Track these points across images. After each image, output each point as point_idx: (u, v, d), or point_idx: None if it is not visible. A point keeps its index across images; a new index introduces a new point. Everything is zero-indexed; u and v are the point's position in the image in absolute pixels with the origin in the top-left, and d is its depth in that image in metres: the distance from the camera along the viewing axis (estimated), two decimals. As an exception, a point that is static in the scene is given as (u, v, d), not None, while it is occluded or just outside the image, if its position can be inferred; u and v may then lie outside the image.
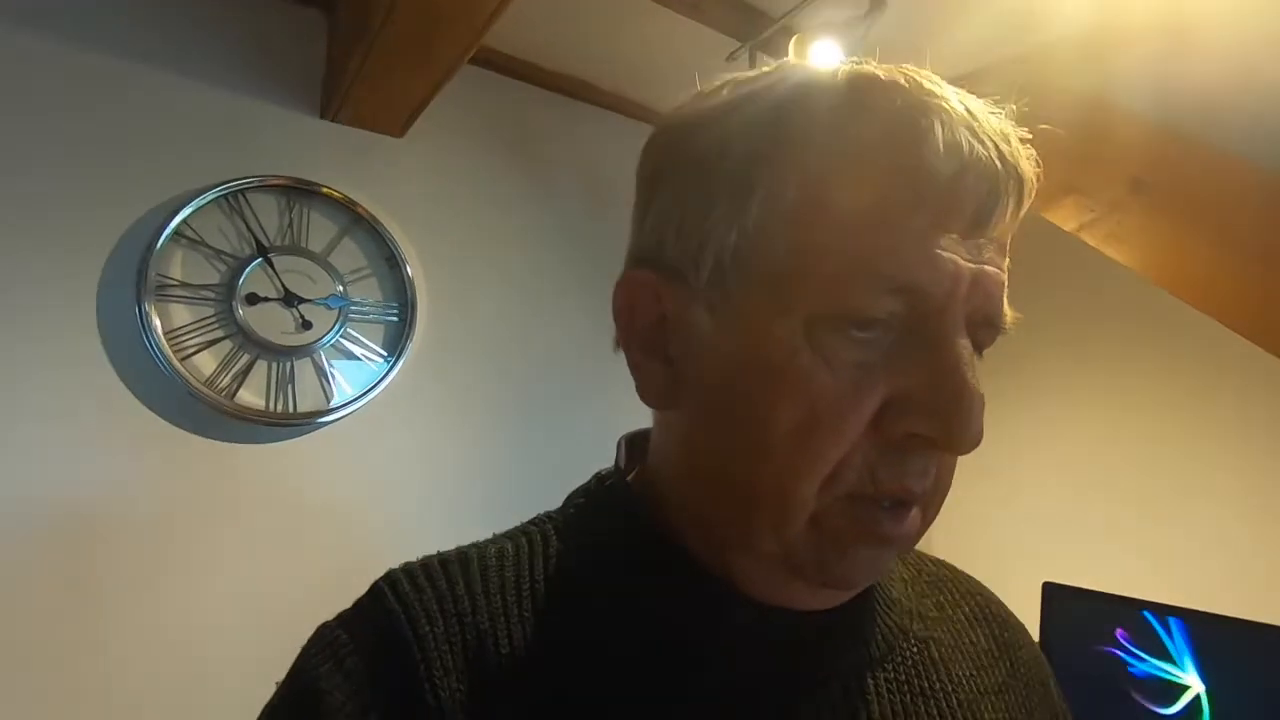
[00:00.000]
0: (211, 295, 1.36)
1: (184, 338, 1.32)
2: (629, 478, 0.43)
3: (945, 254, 0.31)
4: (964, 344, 0.32)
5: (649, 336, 0.38)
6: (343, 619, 0.37)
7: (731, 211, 0.34)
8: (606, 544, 0.40)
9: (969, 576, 0.53)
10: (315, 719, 0.33)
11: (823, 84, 0.34)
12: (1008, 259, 0.36)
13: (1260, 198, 1.28)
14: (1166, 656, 1.48)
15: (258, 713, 0.35)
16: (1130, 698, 1.50)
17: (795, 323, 0.32)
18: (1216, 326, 1.42)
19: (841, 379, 0.32)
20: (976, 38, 1.45)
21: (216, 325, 1.36)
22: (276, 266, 1.40)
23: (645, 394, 0.39)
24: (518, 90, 1.74)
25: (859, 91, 0.33)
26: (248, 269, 1.38)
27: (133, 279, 1.27)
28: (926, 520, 0.36)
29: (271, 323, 1.40)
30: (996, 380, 2.30)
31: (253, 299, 1.38)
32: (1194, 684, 1.43)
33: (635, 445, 0.45)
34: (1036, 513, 2.19)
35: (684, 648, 0.36)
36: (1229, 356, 1.72)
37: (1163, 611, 1.50)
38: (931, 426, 0.32)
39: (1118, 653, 1.55)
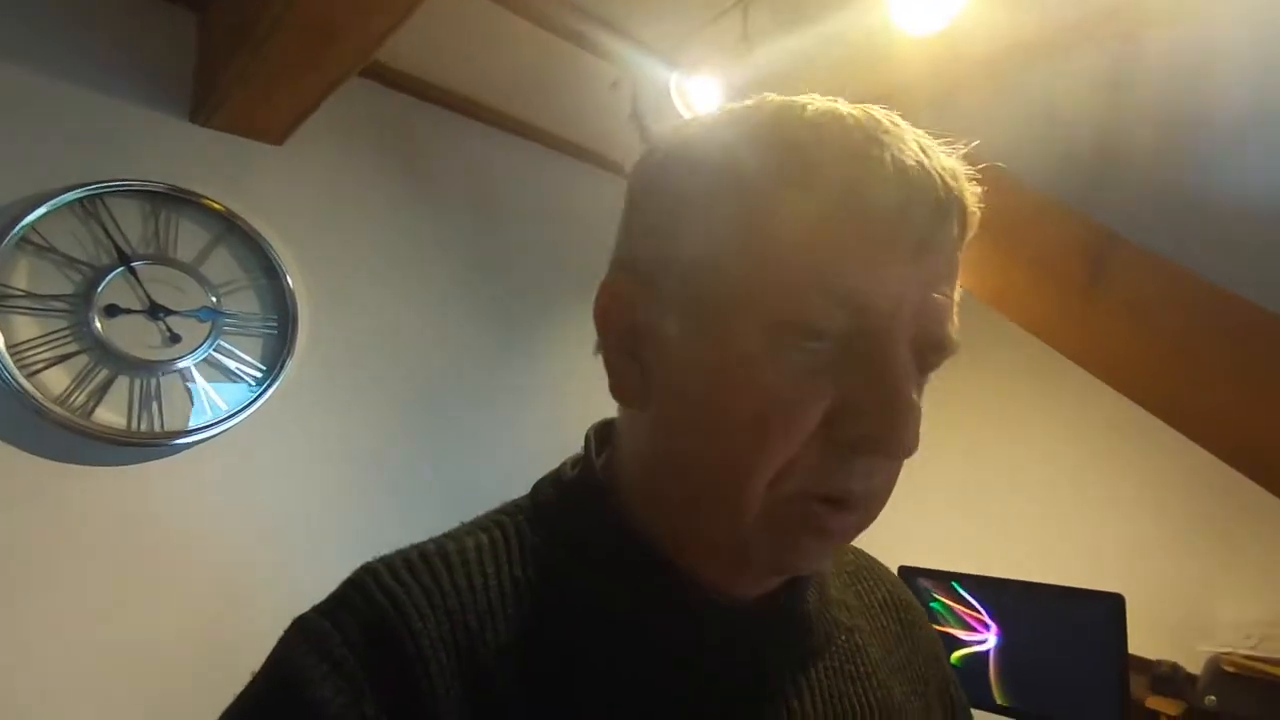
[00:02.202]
0: (63, 306, 1.25)
1: (30, 352, 1.21)
2: (598, 468, 0.44)
3: (891, 275, 0.34)
4: (905, 359, 0.35)
5: (623, 339, 0.40)
6: (323, 611, 0.36)
7: (699, 230, 0.37)
8: (582, 541, 0.41)
9: (877, 562, 0.58)
10: (304, 712, 0.31)
11: (789, 117, 0.37)
12: (957, 289, 0.39)
13: (1064, 228, 1.53)
14: (975, 615, 1.76)
15: None
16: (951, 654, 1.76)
17: (753, 332, 0.35)
18: (1034, 340, 1.67)
19: (792, 384, 0.34)
20: (832, 78, 1.62)
21: (70, 339, 1.25)
22: (140, 276, 1.32)
23: (617, 392, 0.41)
24: (401, 103, 1.73)
25: (819, 126, 0.36)
26: (107, 279, 1.28)
27: (-34, 288, 1.16)
28: (868, 519, 0.39)
29: (134, 336, 1.31)
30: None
31: (113, 310, 1.29)
32: (990, 635, 1.74)
33: (601, 435, 0.46)
34: (888, 507, 2.43)
35: (660, 649, 0.38)
36: (1042, 366, 2.01)
37: (971, 581, 1.81)
38: (872, 431, 0.34)
39: (946, 617, 1.84)
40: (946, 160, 0.37)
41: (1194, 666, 1.77)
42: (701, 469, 0.37)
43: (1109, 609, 1.68)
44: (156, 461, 1.34)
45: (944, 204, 0.36)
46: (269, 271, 1.48)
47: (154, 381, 1.33)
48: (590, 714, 0.35)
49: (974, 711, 1.73)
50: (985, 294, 1.62)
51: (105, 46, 1.34)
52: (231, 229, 1.44)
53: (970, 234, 0.39)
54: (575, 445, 0.47)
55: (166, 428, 1.34)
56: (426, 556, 0.38)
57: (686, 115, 1.27)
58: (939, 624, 1.83)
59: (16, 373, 1.17)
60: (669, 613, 0.39)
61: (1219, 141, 1.34)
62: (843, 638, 0.46)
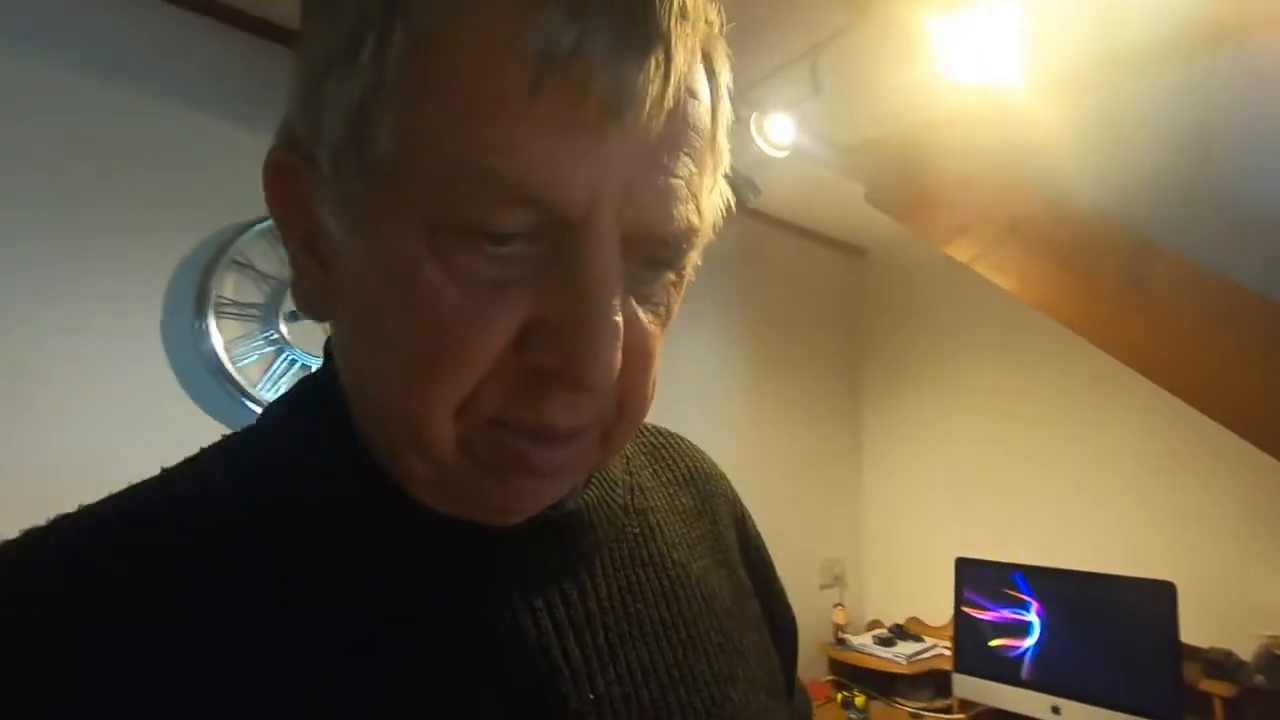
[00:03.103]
0: (257, 313, 1.55)
1: (235, 348, 1.51)
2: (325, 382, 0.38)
3: (577, 156, 0.26)
4: (605, 269, 0.28)
5: (302, 229, 0.32)
6: None
7: (342, 76, 0.28)
8: (303, 466, 0.35)
9: (682, 439, 0.54)
10: None
11: None
12: (702, 160, 0.30)
13: (1105, 238, 1.69)
14: (1020, 602, 1.93)
15: None
16: (998, 634, 1.94)
17: (415, 228, 0.27)
18: (1077, 338, 1.82)
19: (471, 298, 0.27)
20: (892, 109, 1.83)
21: (261, 339, 1.55)
22: (313, 288, 1.61)
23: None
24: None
25: None
26: (289, 290, 1.58)
27: (191, 298, 1.47)
28: (609, 446, 0.34)
29: (307, 336, 1.60)
30: (914, 390, 2.70)
31: (293, 316, 1.58)
32: (1034, 618, 1.89)
33: None
34: (949, 498, 2.57)
35: (405, 576, 0.33)
36: (1093, 363, 2.15)
37: (1023, 571, 1.96)
38: (557, 359, 0.28)
39: (996, 604, 1.99)
40: None
41: (1246, 654, 1.85)
42: (380, 399, 0.31)
43: (1160, 596, 1.78)
44: (323, 440, 1.63)
45: (642, 42, 0.26)
46: (407, 284, 1.76)
47: (322, 374, 1.62)
48: (333, 665, 0.30)
49: (1027, 693, 1.88)
50: (1031, 296, 1.78)
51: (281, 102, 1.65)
52: (379, 249, 1.73)
53: (692, 77, 0.29)
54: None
55: (330, 412, 1.62)
56: (105, 519, 0.32)
57: (766, 151, 1.49)
58: (982, 611, 1.98)
59: (230, 365, 1.47)
60: (406, 539, 0.33)
61: (1251, 156, 1.49)
62: (634, 524, 0.43)
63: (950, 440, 2.60)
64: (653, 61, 0.26)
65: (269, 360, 1.56)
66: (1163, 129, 1.54)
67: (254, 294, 1.56)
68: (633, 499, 0.44)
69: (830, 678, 2.41)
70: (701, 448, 0.55)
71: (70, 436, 1.34)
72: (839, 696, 2.23)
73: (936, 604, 2.42)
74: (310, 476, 0.34)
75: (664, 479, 0.48)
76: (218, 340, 1.47)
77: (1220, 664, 1.88)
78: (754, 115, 1.45)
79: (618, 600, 0.38)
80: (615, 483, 0.43)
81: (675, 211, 0.29)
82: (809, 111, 1.50)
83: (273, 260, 1.59)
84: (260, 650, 0.29)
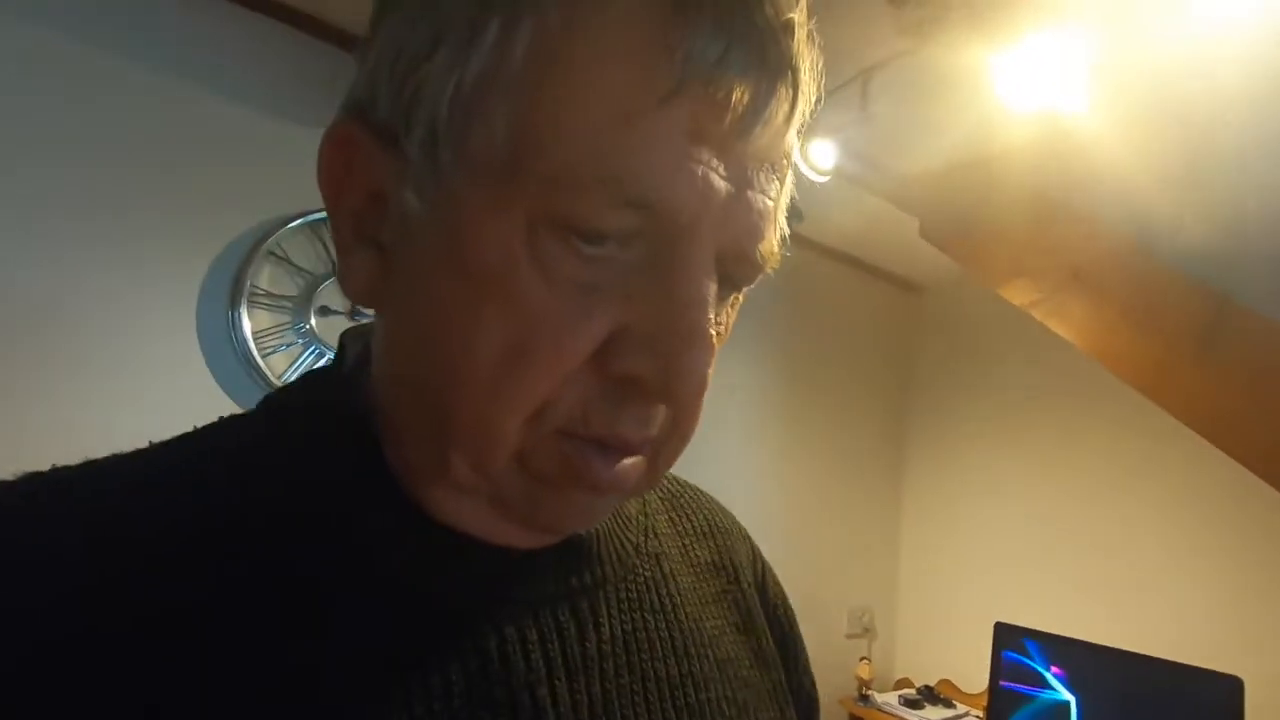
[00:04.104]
0: (289, 305, 1.58)
1: (265, 339, 1.54)
2: (341, 378, 0.37)
3: (698, 167, 0.26)
4: (704, 281, 0.28)
5: (361, 213, 0.31)
6: None
7: (453, 58, 0.27)
8: (305, 468, 0.33)
9: (700, 492, 0.51)
10: None
11: None
12: (783, 187, 0.31)
13: (1174, 290, 1.55)
14: (1061, 680, 1.78)
15: None
16: (1035, 713, 1.79)
17: (515, 222, 0.27)
18: (1142, 398, 1.67)
19: (564, 299, 0.27)
20: (949, 140, 1.74)
21: (292, 331, 1.58)
22: (346, 285, 1.63)
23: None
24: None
25: None
26: (322, 284, 1.61)
27: (228, 286, 1.50)
28: (657, 467, 0.33)
29: (338, 332, 1.62)
30: (964, 440, 2.55)
31: (324, 310, 1.61)
32: (1071, 696, 1.73)
33: (361, 337, 0.39)
34: (994, 556, 2.41)
35: (406, 591, 0.31)
36: (1155, 426, 1.98)
37: (1069, 646, 1.80)
38: (649, 369, 0.28)
39: (1035, 680, 1.83)
40: (786, 11, 0.28)
41: (1325, 767, 1.65)
42: (438, 396, 0.29)
43: (1225, 691, 1.61)
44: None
45: (777, 66, 0.27)
46: (440, 288, 1.77)
47: (347, 371, 1.64)
48: (296, 680, 0.28)
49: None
50: (1091, 347, 1.65)
51: (329, 99, 1.69)
52: (416, 251, 1.75)
53: (801, 112, 0.29)
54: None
55: (352, 409, 1.63)
56: (59, 490, 0.30)
57: (807, 175, 1.44)
58: (1020, 683, 1.83)
59: (256, 354, 1.50)
60: (411, 554, 0.32)
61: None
62: (645, 566, 0.40)
63: (1000, 496, 2.44)
64: (785, 84, 0.28)
65: (296, 354, 1.58)
66: (1253, 175, 1.41)
67: (289, 286, 1.59)
68: (646, 541, 0.41)
69: (849, 736, 2.27)
70: (733, 479, 0.52)
71: (97, 408, 1.38)
72: (855, 757, 2.09)
73: (973, 669, 2.26)
74: (313, 479, 0.33)
75: (680, 528, 0.46)
76: (248, 329, 1.49)
77: (1292, 776, 1.68)
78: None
79: (620, 646, 0.35)
80: (629, 519, 0.41)
81: (765, 231, 0.30)
82: (857, 138, 1.44)
83: (309, 254, 1.61)
84: (204, 658, 0.27)
